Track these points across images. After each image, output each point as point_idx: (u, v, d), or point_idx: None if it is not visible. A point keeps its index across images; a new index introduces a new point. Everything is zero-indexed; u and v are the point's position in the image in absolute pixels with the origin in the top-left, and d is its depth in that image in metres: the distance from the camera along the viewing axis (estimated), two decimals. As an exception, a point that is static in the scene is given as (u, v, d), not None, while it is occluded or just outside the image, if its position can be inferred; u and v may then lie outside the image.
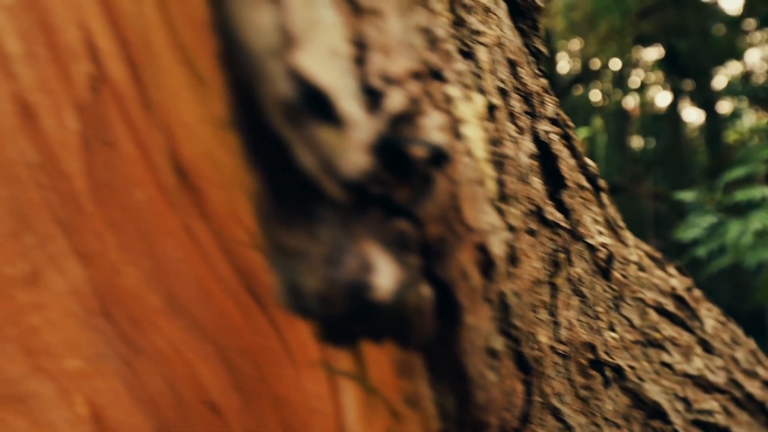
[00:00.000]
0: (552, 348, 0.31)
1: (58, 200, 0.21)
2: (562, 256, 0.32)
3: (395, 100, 0.17)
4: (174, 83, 0.20)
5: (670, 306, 0.49)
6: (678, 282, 0.52)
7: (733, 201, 1.54)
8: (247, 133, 0.15)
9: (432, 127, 0.18)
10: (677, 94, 4.57)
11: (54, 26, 0.20)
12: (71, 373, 0.22)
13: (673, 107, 4.61)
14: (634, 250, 0.47)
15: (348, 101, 0.15)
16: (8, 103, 0.20)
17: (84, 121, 0.21)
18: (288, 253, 0.16)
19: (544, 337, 0.30)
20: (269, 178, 0.15)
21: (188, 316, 0.22)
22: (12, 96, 0.20)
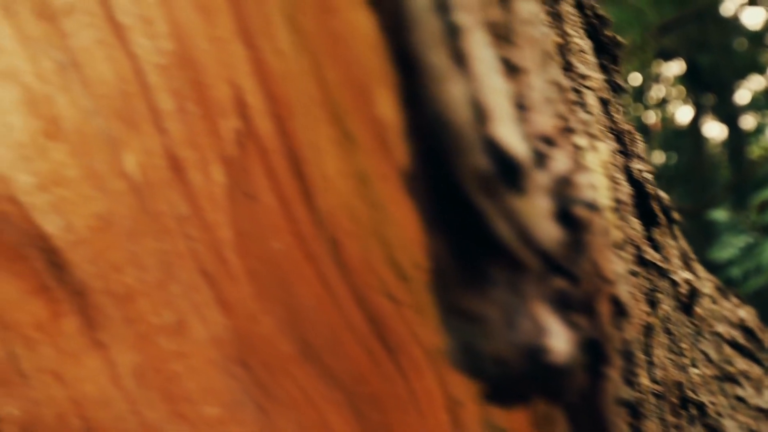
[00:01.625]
0: (649, 389, 0.31)
1: (203, 251, 0.21)
2: (657, 295, 0.32)
3: (560, 162, 0.17)
4: (318, 138, 0.21)
5: (740, 338, 0.48)
6: (745, 313, 0.51)
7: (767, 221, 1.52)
8: (433, 199, 0.15)
9: (587, 185, 0.18)
10: (699, 109, 4.53)
11: (205, 84, 0.21)
12: (209, 419, 0.22)
13: (695, 122, 4.57)
14: (706, 282, 0.47)
15: (531, 168, 0.15)
16: (160, 158, 0.21)
17: (229, 174, 0.21)
18: (464, 314, 0.16)
19: (644, 378, 0.30)
20: (452, 242, 0.15)
21: (319, 363, 0.23)
22: (163, 150, 0.21)
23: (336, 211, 0.21)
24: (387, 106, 0.17)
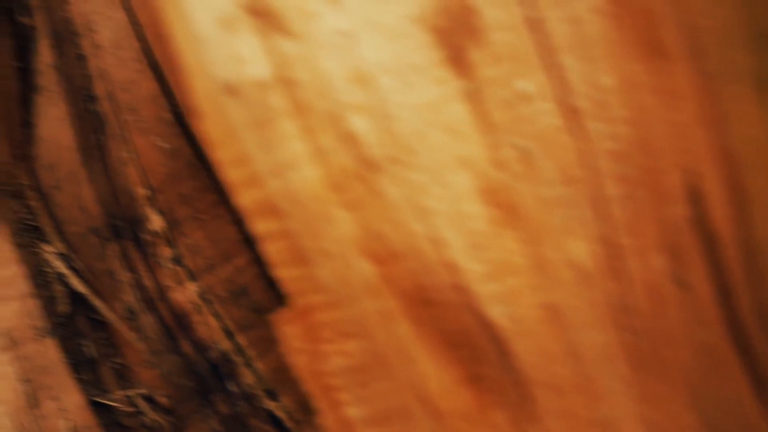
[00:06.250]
0: None
1: (635, 342, 0.20)
2: None
3: None
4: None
5: None
6: None
7: None
8: None
9: None
10: None
11: (657, 169, 0.20)
12: None
13: None
14: None
15: None
16: (597, 244, 0.20)
17: (669, 262, 0.20)
18: None
19: None
20: None
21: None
22: (601, 237, 0.20)
23: (782, 303, 0.20)
24: None
